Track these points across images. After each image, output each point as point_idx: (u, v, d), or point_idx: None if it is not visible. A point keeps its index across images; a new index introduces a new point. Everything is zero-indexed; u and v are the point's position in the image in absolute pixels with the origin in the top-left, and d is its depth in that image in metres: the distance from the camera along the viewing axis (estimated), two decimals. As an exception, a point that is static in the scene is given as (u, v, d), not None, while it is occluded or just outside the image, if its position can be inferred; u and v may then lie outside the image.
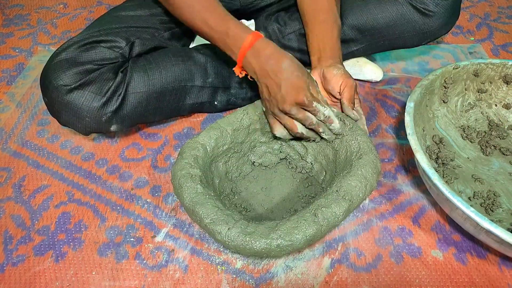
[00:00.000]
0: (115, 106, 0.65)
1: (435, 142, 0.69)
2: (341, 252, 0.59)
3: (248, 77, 0.63)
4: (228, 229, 0.50)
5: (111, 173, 0.71)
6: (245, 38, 0.59)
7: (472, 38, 1.01)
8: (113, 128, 0.67)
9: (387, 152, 0.73)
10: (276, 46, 0.60)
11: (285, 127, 0.62)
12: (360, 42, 0.79)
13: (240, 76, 0.64)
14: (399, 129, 0.77)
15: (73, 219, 0.64)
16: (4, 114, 0.83)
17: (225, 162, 0.65)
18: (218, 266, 0.57)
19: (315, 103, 0.58)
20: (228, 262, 0.58)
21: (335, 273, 0.56)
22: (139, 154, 0.74)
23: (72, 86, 0.62)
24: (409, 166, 0.70)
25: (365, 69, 0.85)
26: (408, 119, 0.60)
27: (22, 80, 0.91)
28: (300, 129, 0.60)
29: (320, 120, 0.60)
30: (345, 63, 0.85)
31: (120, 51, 0.67)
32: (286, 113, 0.59)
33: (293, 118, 0.59)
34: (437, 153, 0.67)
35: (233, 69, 0.63)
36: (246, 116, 0.65)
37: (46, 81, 0.63)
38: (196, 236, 0.61)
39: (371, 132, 0.77)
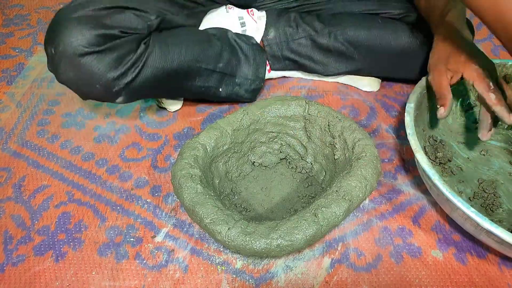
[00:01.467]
0: (130, 78, 0.62)
1: (435, 142, 0.69)
2: (341, 252, 0.59)
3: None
4: (228, 229, 0.50)
5: (111, 173, 0.71)
6: None
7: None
8: (119, 100, 0.65)
9: (387, 152, 0.73)
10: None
11: None
12: (364, 63, 0.79)
13: None
14: (399, 129, 0.77)
15: (73, 219, 0.64)
16: (4, 114, 0.83)
17: (225, 162, 0.65)
18: (218, 266, 0.57)
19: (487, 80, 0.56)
20: (228, 262, 0.58)
21: (335, 273, 0.56)
22: (139, 154, 0.74)
23: (91, 50, 0.57)
24: (409, 166, 0.70)
25: (361, 82, 0.85)
26: (408, 119, 0.60)
27: (22, 80, 0.91)
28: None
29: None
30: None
31: (148, 23, 0.63)
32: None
33: None
34: (436, 154, 0.67)
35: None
36: (246, 116, 0.65)
37: (57, 38, 0.57)
38: (196, 236, 0.61)
39: (371, 132, 0.77)
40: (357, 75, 0.84)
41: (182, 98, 0.82)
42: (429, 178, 0.53)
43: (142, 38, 0.63)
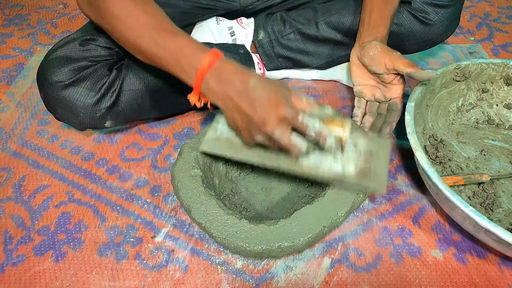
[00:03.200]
0: (109, 103, 0.65)
1: (436, 141, 0.69)
2: (341, 252, 0.59)
3: (208, 105, 0.54)
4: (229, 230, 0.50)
5: (111, 173, 0.71)
6: (203, 57, 0.50)
7: (472, 38, 1.01)
8: (107, 124, 0.68)
9: (387, 152, 0.73)
10: (239, 65, 0.51)
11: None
12: None
13: (198, 105, 0.54)
14: (399, 129, 0.77)
15: (73, 219, 0.64)
16: (4, 114, 0.83)
17: (225, 162, 0.65)
18: (218, 266, 0.57)
19: (300, 116, 0.48)
20: (228, 262, 0.58)
21: (335, 273, 0.56)
22: (139, 154, 0.74)
23: (67, 83, 0.62)
24: (409, 166, 0.70)
25: None
26: (408, 118, 0.60)
27: (22, 80, 0.91)
28: (301, 145, 0.49)
29: (311, 140, 0.50)
30: (340, 66, 0.85)
31: (115, 49, 0.67)
32: (271, 139, 0.49)
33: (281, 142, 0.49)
34: (437, 153, 0.67)
35: (188, 96, 0.54)
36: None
37: (42, 78, 0.64)
38: (196, 236, 0.61)
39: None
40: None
41: None
42: (429, 177, 0.53)
43: (113, 63, 0.67)
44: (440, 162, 0.66)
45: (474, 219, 0.48)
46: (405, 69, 0.61)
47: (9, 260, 0.59)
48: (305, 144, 0.50)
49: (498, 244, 0.50)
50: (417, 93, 0.64)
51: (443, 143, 0.69)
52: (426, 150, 0.68)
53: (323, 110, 0.51)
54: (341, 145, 0.51)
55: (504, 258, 0.57)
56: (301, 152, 0.50)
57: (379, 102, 0.70)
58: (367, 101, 0.71)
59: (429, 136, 0.69)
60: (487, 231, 0.48)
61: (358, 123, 0.69)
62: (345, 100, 0.84)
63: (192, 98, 0.54)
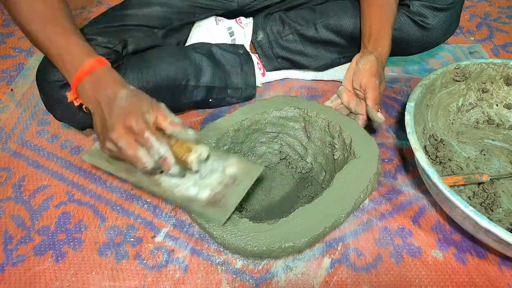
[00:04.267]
0: None
1: (436, 141, 0.69)
2: (341, 252, 0.59)
3: (83, 107, 0.55)
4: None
5: (111, 173, 0.71)
6: (86, 60, 0.52)
7: (472, 38, 1.01)
8: None
9: (387, 152, 0.73)
10: (119, 77, 0.53)
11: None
12: (355, 48, 0.78)
13: (75, 103, 0.55)
14: (399, 129, 0.77)
15: (73, 219, 0.64)
16: (4, 114, 0.83)
17: (225, 162, 0.65)
18: (218, 266, 0.57)
19: (147, 133, 0.47)
20: (228, 262, 0.58)
21: (335, 273, 0.56)
22: (139, 154, 0.74)
23: (65, 82, 0.61)
24: (409, 166, 0.70)
25: None
26: (408, 118, 0.60)
27: (22, 80, 0.91)
28: (146, 161, 0.47)
29: (154, 163, 0.48)
30: (340, 66, 0.85)
31: (113, 48, 0.67)
32: (118, 148, 0.48)
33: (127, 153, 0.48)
34: (437, 153, 0.67)
35: (67, 93, 0.56)
36: (246, 116, 0.65)
37: (41, 77, 0.63)
38: (196, 236, 0.61)
39: (371, 132, 0.77)
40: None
41: None
42: (429, 177, 0.53)
43: (112, 62, 0.65)
44: (440, 162, 0.66)
45: (474, 219, 0.48)
46: (368, 102, 0.61)
47: (9, 260, 0.59)
48: (151, 162, 0.47)
49: (498, 244, 0.50)
50: (417, 93, 0.64)
51: (443, 143, 0.69)
52: (426, 150, 0.68)
53: (185, 132, 0.49)
54: (187, 168, 0.50)
55: (504, 258, 0.57)
56: (146, 168, 0.48)
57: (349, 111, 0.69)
58: (341, 103, 0.71)
59: (429, 136, 0.69)
60: (487, 231, 0.48)
61: None
62: (345, 100, 0.84)
63: (70, 96, 0.55)
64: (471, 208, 0.49)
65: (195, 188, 0.52)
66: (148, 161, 0.47)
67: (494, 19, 1.08)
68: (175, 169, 0.49)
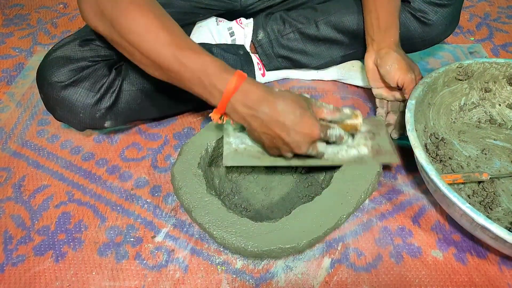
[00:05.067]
0: (109, 103, 0.65)
1: (437, 140, 0.69)
2: (341, 252, 0.59)
3: (231, 122, 0.55)
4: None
5: (111, 173, 0.71)
6: (228, 79, 0.49)
7: (472, 38, 1.01)
8: (107, 124, 0.68)
9: (387, 152, 0.73)
10: (263, 86, 0.52)
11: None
12: (356, 46, 0.78)
13: (220, 122, 0.54)
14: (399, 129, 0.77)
15: (73, 219, 0.64)
16: (4, 114, 0.83)
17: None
18: (218, 266, 0.57)
19: (329, 131, 0.53)
20: (228, 262, 0.58)
21: (335, 273, 0.56)
22: (139, 154, 0.74)
23: (66, 83, 0.62)
24: (409, 166, 0.70)
25: (358, 75, 0.85)
26: (408, 116, 0.60)
27: (22, 80, 0.91)
28: (323, 151, 0.55)
29: (333, 142, 0.55)
30: (340, 65, 0.85)
31: (115, 49, 0.67)
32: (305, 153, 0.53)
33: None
34: (437, 151, 0.67)
35: (210, 114, 0.53)
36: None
37: (41, 78, 0.64)
38: (196, 236, 0.61)
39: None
40: (354, 59, 0.84)
41: None
42: (427, 173, 0.53)
43: (112, 63, 0.67)
44: (441, 160, 0.66)
45: (471, 216, 0.48)
46: (408, 97, 0.63)
47: (9, 260, 0.59)
48: (325, 146, 0.55)
49: (495, 241, 0.50)
50: (418, 91, 0.64)
51: (444, 141, 0.69)
52: (426, 148, 0.68)
53: (344, 112, 0.55)
54: (356, 132, 0.58)
55: (504, 258, 0.57)
56: (322, 155, 0.55)
57: (399, 102, 0.71)
58: (388, 101, 0.72)
59: (431, 134, 0.69)
60: (484, 228, 0.48)
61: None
62: (345, 100, 0.84)
63: (214, 117, 0.53)
64: (468, 205, 0.49)
65: (352, 149, 0.59)
66: (324, 149, 0.55)
67: (494, 19, 1.08)
68: (346, 138, 0.56)
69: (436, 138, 0.69)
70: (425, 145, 0.68)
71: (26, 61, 0.97)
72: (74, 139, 0.77)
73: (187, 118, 0.80)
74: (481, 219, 0.48)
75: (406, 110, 0.61)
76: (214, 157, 0.63)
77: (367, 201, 0.65)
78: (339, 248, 0.59)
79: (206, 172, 0.60)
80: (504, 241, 0.47)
